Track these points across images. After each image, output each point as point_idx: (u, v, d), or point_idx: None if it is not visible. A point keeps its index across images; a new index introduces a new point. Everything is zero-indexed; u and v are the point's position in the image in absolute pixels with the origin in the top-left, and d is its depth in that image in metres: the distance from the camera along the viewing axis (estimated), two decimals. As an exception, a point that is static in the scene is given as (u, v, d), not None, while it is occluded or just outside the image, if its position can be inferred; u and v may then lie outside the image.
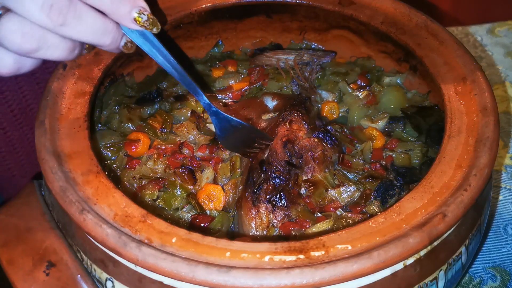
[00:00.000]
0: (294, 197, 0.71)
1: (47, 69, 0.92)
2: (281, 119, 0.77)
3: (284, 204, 0.70)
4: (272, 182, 0.71)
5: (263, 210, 0.70)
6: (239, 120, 0.75)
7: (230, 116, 0.75)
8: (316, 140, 0.74)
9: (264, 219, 0.70)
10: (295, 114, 0.77)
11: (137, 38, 0.67)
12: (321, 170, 0.73)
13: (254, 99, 0.84)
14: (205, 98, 0.73)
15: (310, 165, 0.73)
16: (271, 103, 0.83)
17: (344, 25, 0.89)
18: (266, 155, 0.74)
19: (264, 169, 0.72)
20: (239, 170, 0.75)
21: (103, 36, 0.61)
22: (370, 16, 0.85)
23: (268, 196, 0.70)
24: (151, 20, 0.64)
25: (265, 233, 0.70)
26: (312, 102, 0.83)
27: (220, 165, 0.76)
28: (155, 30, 0.65)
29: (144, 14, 0.63)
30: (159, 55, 0.69)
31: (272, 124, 0.78)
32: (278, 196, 0.70)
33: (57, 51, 0.59)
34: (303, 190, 0.72)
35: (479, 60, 1.11)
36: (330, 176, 0.74)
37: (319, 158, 0.74)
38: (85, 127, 0.70)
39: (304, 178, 0.73)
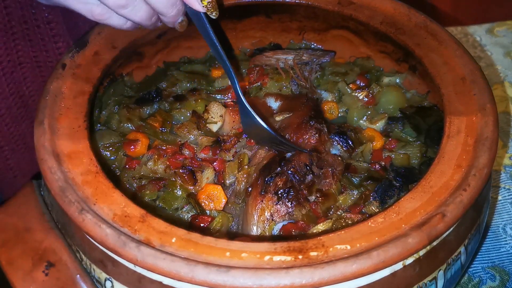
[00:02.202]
0: (301, 199, 0.71)
1: (50, 62, 0.94)
2: (309, 126, 0.77)
3: (289, 200, 0.70)
4: (285, 177, 0.71)
5: (269, 202, 0.70)
6: (266, 127, 0.74)
7: (256, 118, 0.74)
8: (339, 158, 0.75)
9: (267, 214, 0.70)
10: (320, 123, 0.77)
11: (194, 18, 0.72)
12: (337, 187, 0.74)
13: (256, 100, 0.84)
14: (238, 88, 0.75)
15: (328, 180, 0.73)
16: (274, 104, 0.83)
17: (343, 25, 0.89)
18: (289, 154, 0.75)
19: (282, 164, 0.72)
20: (246, 167, 0.75)
21: (171, 7, 0.70)
22: (369, 16, 0.85)
23: (277, 188, 0.71)
24: (213, 3, 0.70)
25: (266, 226, 0.70)
26: (318, 102, 0.84)
27: (228, 163, 0.76)
28: (214, 15, 0.70)
29: None
30: (208, 38, 0.72)
31: (292, 127, 0.78)
32: (286, 190, 0.70)
33: (139, 12, 0.69)
34: (312, 198, 0.72)
35: (478, 60, 1.12)
36: (340, 191, 0.74)
37: (338, 175, 0.74)
38: (84, 127, 0.70)
39: (318, 188, 0.74)
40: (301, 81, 0.85)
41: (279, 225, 0.71)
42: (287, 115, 0.80)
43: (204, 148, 0.78)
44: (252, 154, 0.77)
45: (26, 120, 0.98)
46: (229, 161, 0.77)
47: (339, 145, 0.77)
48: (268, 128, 0.74)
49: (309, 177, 0.73)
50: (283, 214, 0.70)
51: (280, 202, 0.70)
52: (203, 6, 0.69)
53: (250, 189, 0.73)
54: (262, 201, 0.70)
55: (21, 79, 0.94)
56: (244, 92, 0.79)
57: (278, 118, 0.80)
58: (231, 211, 0.74)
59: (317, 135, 0.76)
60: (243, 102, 0.74)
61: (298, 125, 0.78)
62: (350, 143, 0.77)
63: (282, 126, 0.79)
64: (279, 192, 0.70)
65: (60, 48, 0.93)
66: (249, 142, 0.78)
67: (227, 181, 0.75)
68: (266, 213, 0.70)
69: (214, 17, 0.71)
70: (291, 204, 0.70)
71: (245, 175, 0.75)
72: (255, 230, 0.70)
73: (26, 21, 0.88)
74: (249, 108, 0.74)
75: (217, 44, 0.72)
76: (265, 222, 0.70)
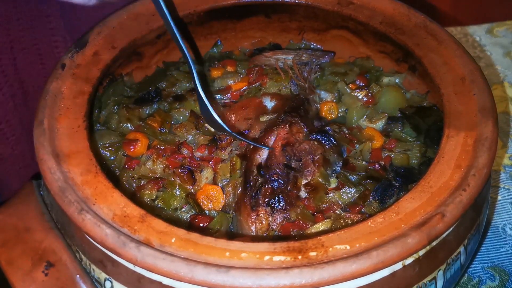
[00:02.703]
0: (293, 200, 0.71)
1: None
2: (279, 121, 0.77)
3: (282, 207, 0.70)
4: (271, 186, 0.71)
5: (262, 214, 0.70)
6: (225, 127, 0.71)
7: (211, 110, 0.70)
8: (315, 143, 0.74)
9: (264, 222, 0.70)
10: (294, 117, 0.76)
11: None
12: (320, 173, 0.73)
13: (252, 99, 0.84)
14: (195, 74, 0.69)
15: (310, 169, 0.73)
16: (269, 103, 0.83)
17: (343, 25, 0.89)
18: (263, 157, 0.74)
19: (261, 173, 0.72)
20: (239, 171, 0.75)
21: None
22: (369, 16, 0.85)
23: (266, 200, 0.70)
24: None
25: (265, 235, 0.70)
26: (310, 103, 0.83)
27: (220, 165, 0.76)
28: None
29: None
30: (163, 16, 0.68)
31: (270, 126, 0.78)
32: (276, 199, 0.70)
33: None
34: (302, 193, 0.72)
35: (478, 60, 1.12)
36: (327, 178, 0.73)
37: (319, 161, 0.73)
38: (84, 127, 0.70)
39: (304, 181, 0.73)
40: (300, 81, 0.85)
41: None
42: (272, 116, 0.80)
43: (200, 147, 0.78)
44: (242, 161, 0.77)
45: (25, 107, 0.99)
46: (222, 160, 0.77)
47: (323, 145, 0.76)
48: (222, 123, 0.70)
49: (292, 173, 0.72)
50: (280, 221, 0.70)
51: (275, 211, 0.70)
52: None
53: (239, 204, 0.73)
54: (257, 215, 0.70)
55: (23, 65, 0.95)
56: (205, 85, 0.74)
57: (262, 119, 0.79)
58: (230, 210, 0.74)
59: (287, 125, 0.75)
60: (200, 92, 0.69)
61: (273, 122, 0.77)
62: (332, 140, 0.76)
63: (265, 128, 0.78)
64: (271, 202, 0.70)
65: (57, 41, 0.95)
66: (241, 144, 0.78)
67: (219, 184, 0.75)
68: (264, 225, 0.70)
69: None
70: (285, 209, 0.70)
71: (231, 187, 0.74)
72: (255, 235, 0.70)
73: (31, 11, 0.91)
74: (204, 99, 0.70)
75: (171, 22, 0.67)
76: (264, 233, 0.70)
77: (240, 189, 0.73)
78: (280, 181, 0.71)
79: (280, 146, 0.74)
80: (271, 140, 0.75)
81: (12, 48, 0.95)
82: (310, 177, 0.73)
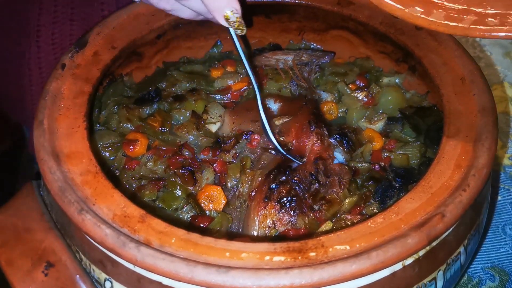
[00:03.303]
0: (304, 208, 0.70)
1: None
2: (309, 133, 0.76)
3: (292, 209, 0.70)
4: (289, 186, 0.71)
5: (270, 209, 0.70)
6: (279, 147, 0.74)
7: (274, 141, 0.74)
8: (346, 167, 0.74)
9: (268, 219, 0.70)
10: (321, 127, 0.76)
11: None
12: (344, 195, 0.73)
13: (254, 102, 0.84)
14: (261, 107, 0.73)
15: (335, 189, 0.72)
16: (274, 105, 0.82)
17: (343, 25, 0.89)
18: (295, 163, 0.74)
19: (287, 172, 0.72)
20: (248, 170, 0.75)
21: (207, 13, 0.73)
22: (369, 17, 0.85)
23: (280, 197, 0.70)
24: (238, 22, 0.69)
25: (267, 232, 0.70)
26: (318, 104, 0.83)
27: (230, 165, 0.76)
28: (239, 32, 0.70)
29: (234, 15, 0.68)
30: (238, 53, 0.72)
31: (292, 134, 0.77)
32: (289, 199, 0.70)
33: (185, 13, 0.79)
34: (317, 206, 0.71)
35: (478, 60, 1.11)
36: (346, 196, 0.73)
37: (345, 184, 0.73)
38: (83, 127, 0.70)
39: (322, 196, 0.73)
40: (300, 82, 0.85)
41: (281, 229, 0.70)
42: (287, 119, 0.79)
43: (204, 149, 0.78)
44: (255, 158, 0.77)
45: None
46: (230, 163, 0.77)
47: (341, 147, 0.76)
48: (280, 148, 0.74)
49: (315, 186, 0.72)
50: (285, 222, 0.70)
51: (283, 211, 0.70)
52: (228, 23, 0.69)
53: (253, 193, 0.73)
54: (265, 207, 0.70)
55: (67, 34, 0.97)
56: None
57: (277, 122, 0.79)
58: (231, 212, 0.74)
59: (319, 141, 0.75)
60: (265, 124, 0.73)
61: (298, 131, 0.77)
62: (351, 143, 0.77)
63: (282, 131, 0.78)
64: (282, 200, 0.70)
65: (105, 16, 0.96)
66: (250, 144, 0.78)
67: (229, 184, 0.75)
68: (268, 220, 0.70)
69: (239, 34, 0.70)
70: (293, 212, 0.70)
71: (249, 178, 0.74)
72: (255, 235, 0.70)
73: None
74: (270, 133, 0.73)
75: (246, 62, 0.72)
76: (266, 229, 0.70)
77: (260, 178, 0.73)
78: (301, 185, 0.71)
79: (313, 158, 0.74)
80: (306, 152, 0.76)
81: (72, 21, 1.01)
82: (331, 196, 0.72)
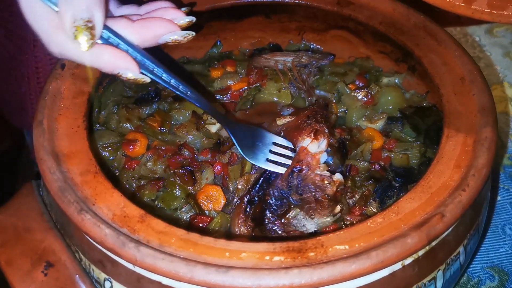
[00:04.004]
0: (277, 226, 0.69)
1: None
2: (305, 127, 0.74)
3: (260, 229, 0.69)
4: (260, 205, 0.70)
5: (245, 223, 0.69)
6: (252, 126, 0.75)
7: (241, 124, 0.74)
8: (326, 181, 0.70)
9: (245, 231, 0.69)
10: (320, 122, 0.73)
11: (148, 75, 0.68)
12: (323, 215, 0.70)
13: (268, 105, 0.83)
14: (226, 128, 0.74)
15: (311, 205, 0.70)
16: (287, 112, 0.81)
17: (342, 25, 0.89)
18: (278, 178, 0.72)
19: (263, 187, 0.71)
20: (246, 174, 0.75)
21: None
22: (368, 17, 0.85)
23: (254, 213, 0.69)
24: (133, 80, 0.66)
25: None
26: (330, 109, 0.82)
27: (231, 167, 0.76)
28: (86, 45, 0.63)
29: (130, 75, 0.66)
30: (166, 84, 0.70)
31: (292, 129, 0.75)
32: (259, 218, 0.69)
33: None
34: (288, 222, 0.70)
35: (478, 60, 1.11)
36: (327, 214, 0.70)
37: (323, 202, 0.69)
38: (83, 127, 0.70)
39: (294, 213, 0.70)
40: (298, 84, 0.85)
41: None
42: (290, 119, 0.77)
43: (204, 150, 0.78)
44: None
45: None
46: (231, 164, 0.76)
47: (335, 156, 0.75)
48: (242, 153, 0.73)
49: (285, 202, 0.70)
50: (259, 234, 0.69)
51: (256, 229, 0.69)
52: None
53: (238, 201, 0.72)
54: (243, 221, 0.69)
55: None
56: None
57: (279, 122, 0.78)
58: (231, 212, 0.74)
59: (312, 134, 0.72)
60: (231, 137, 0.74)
61: (297, 127, 0.75)
62: (344, 151, 0.75)
63: (283, 130, 0.77)
64: (255, 218, 0.69)
65: None
66: None
67: (231, 187, 0.75)
68: (247, 235, 0.69)
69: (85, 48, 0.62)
70: (263, 232, 0.69)
71: (244, 180, 0.74)
72: None
73: None
74: (234, 140, 0.73)
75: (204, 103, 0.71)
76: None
77: (247, 185, 0.73)
78: (273, 204, 0.70)
79: (290, 168, 0.71)
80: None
81: None
82: (310, 215, 0.70)
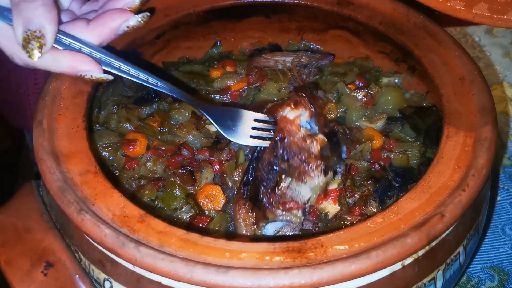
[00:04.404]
0: (271, 203, 0.70)
1: None
2: (286, 99, 0.74)
3: (260, 208, 0.69)
4: (255, 183, 0.70)
5: (246, 210, 0.70)
6: (228, 107, 0.76)
7: (218, 107, 0.76)
8: (307, 140, 0.70)
9: (248, 218, 0.70)
10: (302, 97, 0.73)
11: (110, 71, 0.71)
12: (314, 176, 0.70)
13: (265, 103, 0.83)
14: (189, 99, 0.75)
15: (300, 169, 0.69)
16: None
17: (342, 25, 0.89)
18: (264, 152, 0.72)
19: (254, 166, 0.71)
20: (237, 173, 0.75)
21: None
22: (368, 17, 0.85)
23: (251, 195, 0.70)
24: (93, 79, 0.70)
25: (254, 229, 0.69)
26: (321, 96, 0.82)
27: (225, 164, 0.76)
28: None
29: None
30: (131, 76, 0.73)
31: (275, 106, 0.75)
32: (257, 197, 0.69)
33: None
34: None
35: (477, 60, 1.11)
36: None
37: (307, 163, 0.69)
38: (83, 127, 0.70)
39: (289, 181, 0.70)
40: (298, 84, 0.85)
41: (272, 227, 0.70)
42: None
43: (201, 150, 0.78)
44: (249, 151, 0.77)
45: None
46: (227, 161, 0.77)
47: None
48: (224, 134, 0.74)
49: (275, 174, 0.70)
50: (261, 218, 0.69)
51: (255, 208, 0.69)
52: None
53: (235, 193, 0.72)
54: (243, 206, 0.70)
55: None
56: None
57: (268, 106, 0.78)
58: (231, 211, 0.74)
59: (292, 104, 0.72)
60: (199, 105, 0.75)
61: (279, 104, 0.75)
62: (335, 140, 0.75)
63: (267, 108, 0.77)
64: (252, 198, 0.70)
65: None
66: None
67: (229, 183, 0.75)
68: (250, 219, 0.70)
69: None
70: (262, 209, 0.69)
71: (241, 171, 0.74)
72: (244, 234, 0.70)
73: None
74: (214, 123, 0.75)
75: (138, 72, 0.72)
76: (252, 226, 0.69)
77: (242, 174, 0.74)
78: (265, 179, 0.70)
79: (273, 139, 0.72)
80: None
81: None
82: (302, 180, 0.69)
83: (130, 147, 0.77)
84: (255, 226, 0.69)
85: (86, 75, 0.69)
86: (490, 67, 1.11)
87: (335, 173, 0.74)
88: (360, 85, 0.87)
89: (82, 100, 0.73)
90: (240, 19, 0.92)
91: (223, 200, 0.74)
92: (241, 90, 0.87)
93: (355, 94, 0.84)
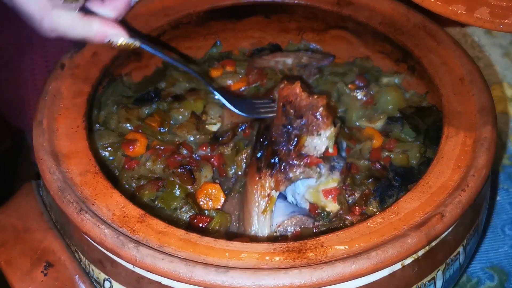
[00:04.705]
0: (293, 160, 0.71)
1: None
2: (281, 84, 0.76)
3: (281, 167, 0.71)
4: (270, 147, 0.72)
5: (264, 175, 0.71)
6: (232, 108, 0.76)
7: (226, 103, 0.76)
8: (315, 96, 0.72)
9: (266, 185, 0.71)
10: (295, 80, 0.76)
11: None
12: (328, 125, 0.72)
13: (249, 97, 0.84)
14: (204, 81, 0.77)
15: (314, 123, 0.72)
16: None
17: (342, 25, 0.89)
18: (270, 120, 0.75)
19: (263, 136, 0.73)
20: (245, 155, 0.76)
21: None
22: (368, 17, 0.85)
23: (267, 161, 0.71)
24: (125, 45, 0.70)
25: (267, 202, 0.70)
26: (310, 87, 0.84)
27: (225, 154, 0.76)
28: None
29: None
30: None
31: (269, 89, 0.78)
32: (275, 159, 0.71)
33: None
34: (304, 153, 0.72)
35: (477, 60, 1.11)
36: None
37: (322, 114, 0.72)
38: (83, 127, 0.70)
39: (310, 138, 0.72)
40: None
41: (279, 219, 0.71)
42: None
43: (202, 145, 0.78)
44: (249, 141, 0.78)
45: None
46: (226, 154, 0.77)
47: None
48: (233, 108, 0.75)
49: (293, 133, 0.72)
50: (282, 181, 0.71)
51: (274, 172, 0.71)
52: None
53: (246, 169, 0.73)
54: (260, 177, 0.71)
55: (58, 45, 0.97)
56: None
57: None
58: (231, 206, 0.74)
59: (285, 81, 0.75)
60: (214, 92, 0.76)
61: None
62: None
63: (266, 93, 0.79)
64: (270, 164, 0.71)
65: None
66: (245, 133, 0.78)
67: (230, 172, 0.76)
68: (266, 190, 0.71)
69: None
70: (284, 169, 0.71)
71: (242, 157, 0.75)
72: (257, 209, 0.71)
73: None
74: (221, 98, 0.76)
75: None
76: (266, 198, 0.70)
77: (249, 152, 0.75)
78: (281, 141, 0.72)
79: (280, 107, 0.74)
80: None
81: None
82: (317, 132, 0.72)
83: (130, 147, 0.77)
84: (268, 200, 0.70)
85: (114, 40, 0.68)
86: (489, 67, 1.11)
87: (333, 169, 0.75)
88: (360, 85, 0.87)
89: (82, 100, 0.73)
90: (240, 19, 0.92)
91: (223, 198, 0.74)
92: (240, 89, 0.87)
93: (355, 94, 0.84)
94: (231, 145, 0.77)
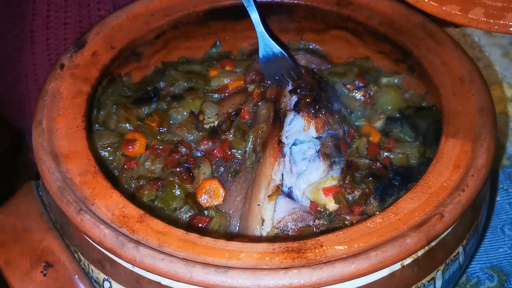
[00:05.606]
0: (328, 107, 0.79)
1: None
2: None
3: (321, 114, 0.77)
4: (308, 95, 0.78)
5: (309, 117, 0.77)
6: (280, 49, 0.83)
7: (273, 43, 0.83)
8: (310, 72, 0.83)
9: (312, 123, 0.77)
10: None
11: None
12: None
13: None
14: (258, 18, 0.83)
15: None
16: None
17: (342, 25, 0.89)
18: (289, 86, 0.81)
19: (298, 91, 0.79)
20: (252, 137, 0.76)
21: None
22: (368, 17, 0.85)
23: (308, 107, 0.77)
24: None
25: (279, 180, 0.73)
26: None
27: (231, 139, 0.77)
28: None
29: None
30: None
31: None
32: (315, 105, 0.78)
33: None
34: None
35: (477, 60, 1.11)
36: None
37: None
38: (82, 127, 0.70)
39: None
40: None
41: (280, 215, 0.71)
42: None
43: (202, 140, 0.78)
44: (251, 121, 0.78)
45: None
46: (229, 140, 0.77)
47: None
48: (284, 53, 0.82)
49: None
50: (322, 124, 0.77)
51: (319, 114, 0.77)
52: None
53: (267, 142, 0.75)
54: (282, 153, 0.74)
55: (61, 39, 0.98)
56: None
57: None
58: (232, 203, 0.74)
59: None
60: (263, 32, 0.82)
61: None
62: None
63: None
64: (311, 108, 0.77)
65: (102, 16, 0.97)
66: (242, 118, 0.79)
67: (237, 154, 0.76)
68: (280, 165, 0.73)
69: None
70: (325, 114, 0.77)
71: (258, 131, 0.76)
72: (274, 179, 0.72)
73: None
74: (267, 36, 0.82)
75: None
76: (279, 164, 0.73)
77: (267, 127, 0.76)
78: (315, 92, 0.78)
79: (308, 74, 0.82)
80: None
81: (66, 24, 1.02)
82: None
83: (130, 147, 0.77)
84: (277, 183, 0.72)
85: None
86: (489, 68, 1.10)
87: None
88: (360, 85, 0.87)
89: (82, 100, 0.73)
90: (239, 19, 0.92)
91: (223, 193, 0.73)
92: (238, 88, 0.87)
93: (354, 94, 0.84)
94: (232, 131, 0.77)
